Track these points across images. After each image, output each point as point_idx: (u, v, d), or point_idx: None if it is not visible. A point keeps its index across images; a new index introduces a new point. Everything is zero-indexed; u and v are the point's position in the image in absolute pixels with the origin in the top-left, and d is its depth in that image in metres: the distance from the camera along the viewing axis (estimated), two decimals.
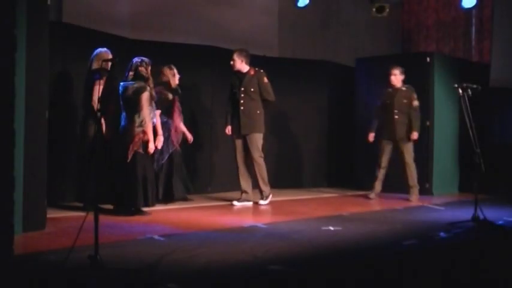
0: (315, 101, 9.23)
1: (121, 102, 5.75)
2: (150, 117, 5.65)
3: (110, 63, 5.36)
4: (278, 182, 8.28)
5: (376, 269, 3.71)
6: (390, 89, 7.59)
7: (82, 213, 5.07)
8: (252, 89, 6.81)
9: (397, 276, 3.58)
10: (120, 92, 5.75)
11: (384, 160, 7.63)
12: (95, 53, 5.96)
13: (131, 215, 5.64)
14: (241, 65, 6.88)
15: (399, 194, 7.90)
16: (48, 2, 4.97)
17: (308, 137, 9.28)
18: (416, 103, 7.50)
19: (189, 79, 7.86)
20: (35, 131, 4.73)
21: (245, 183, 6.95)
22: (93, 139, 5.71)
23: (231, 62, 6.89)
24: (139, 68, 5.66)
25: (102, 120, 5.76)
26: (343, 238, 4.68)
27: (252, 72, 6.88)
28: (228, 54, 7.94)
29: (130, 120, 5.65)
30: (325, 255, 4.08)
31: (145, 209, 5.77)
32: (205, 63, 7.99)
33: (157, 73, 6.58)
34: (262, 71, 6.93)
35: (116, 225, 5.09)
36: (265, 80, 6.88)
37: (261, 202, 6.88)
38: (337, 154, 9.44)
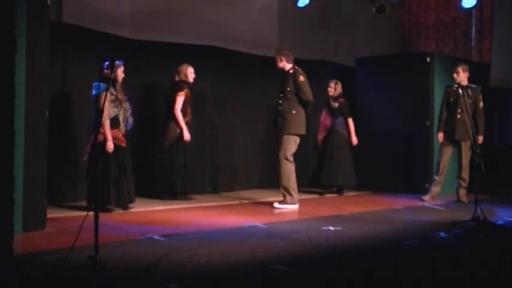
0: (314, 101, 9.18)
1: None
2: (107, 116, 5.70)
3: (191, 75, 7.00)
4: (278, 182, 8.26)
5: (376, 269, 3.71)
6: (454, 87, 7.28)
7: (82, 213, 5.06)
8: (289, 89, 6.57)
9: (397, 276, 3.57)
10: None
11: (442, 164, 7.30)
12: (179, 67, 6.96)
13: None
14: (282, 64, 6.66)
15: (403, 194, 7.90)
16: (48, 2, 4.98)
17: (308, 137, 9.25)
18: (481, 104, 7.16)
19: None
20: (35, 131, 4.74)
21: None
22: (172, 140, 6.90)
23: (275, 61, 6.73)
24: (105, 71, 5.74)
25: (183, 123, 6.90)
26: (343, 238, 4.68)
27: (291, 71, 6.64)
28: (228, 54, 7.92)
29: (95, 120, 5.71)
30: (325, 255, 4.08)
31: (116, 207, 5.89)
32: (205, 63, 7.98)
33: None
34: (299, 69, 6.64)
35: (116, 225, 5.10)
36: (301, 78, 6.55)
37: (275, 204, 6.57)
38: None
